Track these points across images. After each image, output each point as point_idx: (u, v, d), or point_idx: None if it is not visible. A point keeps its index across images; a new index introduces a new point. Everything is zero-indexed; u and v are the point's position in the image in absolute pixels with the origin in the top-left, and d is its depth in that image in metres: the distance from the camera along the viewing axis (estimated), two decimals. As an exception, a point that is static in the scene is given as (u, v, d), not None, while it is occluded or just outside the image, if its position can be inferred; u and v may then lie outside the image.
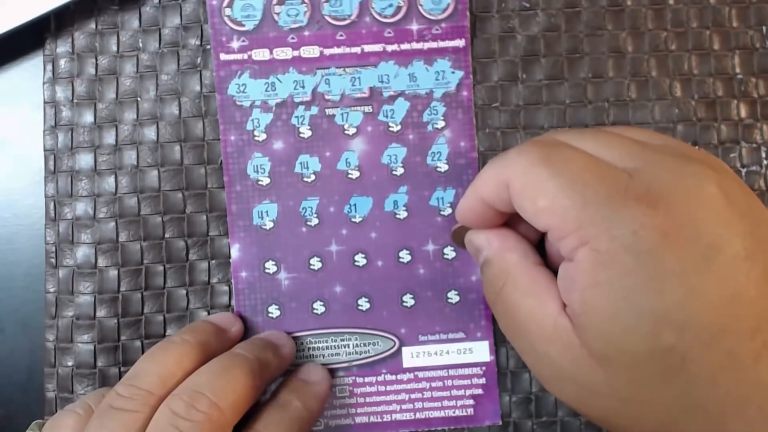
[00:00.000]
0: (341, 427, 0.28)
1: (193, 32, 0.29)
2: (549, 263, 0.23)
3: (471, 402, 0.28)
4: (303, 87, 0.29)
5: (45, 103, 0.29)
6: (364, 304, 0.28)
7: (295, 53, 0.29)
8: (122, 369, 0.28)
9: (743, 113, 0.29)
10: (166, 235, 0.29)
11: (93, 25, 0.29)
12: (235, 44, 0.29)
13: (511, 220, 0.24)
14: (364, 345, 0.28)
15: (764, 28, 0.30)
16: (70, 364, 0.28)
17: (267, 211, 0.28)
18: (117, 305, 0.28)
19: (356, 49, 0.29)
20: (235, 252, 0.28)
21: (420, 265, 0.28)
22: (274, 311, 0.28)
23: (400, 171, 0.29)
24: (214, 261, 0.29)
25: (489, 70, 0.29)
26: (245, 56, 0.29)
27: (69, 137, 0.29)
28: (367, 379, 0.28)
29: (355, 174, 0.29)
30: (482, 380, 0.28)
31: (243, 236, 0.28)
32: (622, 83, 0.29)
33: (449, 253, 0.29)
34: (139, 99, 0.29)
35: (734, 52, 0.30)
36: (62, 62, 0.29)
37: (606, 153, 0.21)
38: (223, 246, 0.28)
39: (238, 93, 0.29)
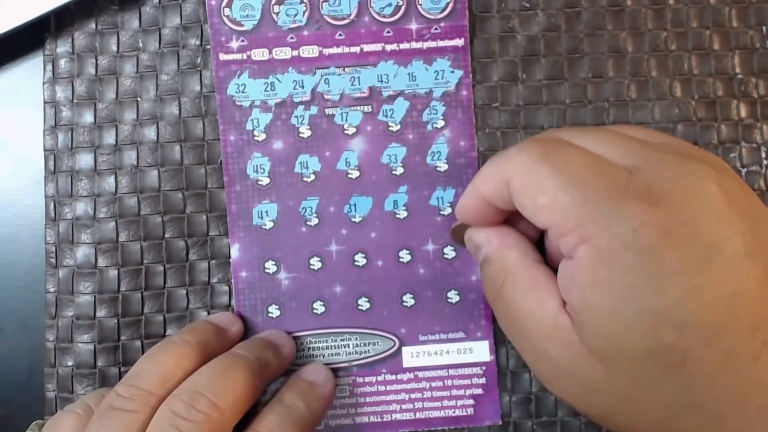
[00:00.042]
0: (341, 427, 0.28)
1: (193, 32, 0.29)
2: (548, 261, 0.23)
3: (471, 402, 0.28)
4: (302, 87, 0.29)
5: (45, 103, 0.29)
6: (364, 303, 0.28)
7: (295, 53, 0.29)
8: (122, 369, 0.28)
9: (743, 113, 0.29)
10: (166, 235, 0.29)
11: (93, 25, 0.29)
12: (235, 44, 0.29)
13: (510, 218, 0.24)
14: (364, 345, 0.28)
15: (764, 28, 0.30)
16: (70, 364, 0.28)
17: (267, 211, 0.28)
18: (117, 305, 0.28)
19: (355, 49, 0.29)
20: (235, 252, 0.28)
21: (420, 264, 0.28)
22: (274, 311, 0.28)
23: (399, 171, 0.29)
24: (214, 261, 0.29)
25: (489, 70, 0.29)
26: (244, 56, 0.29)
27: (69, 137, 0.29)
28: (367, 379, 0.28)
29: (354, 174, 0.29)
30: (482, 380, 0.28)
31: (243, 236, 0.28)
32: (622, 83, 0.29)
33: (449, 252, 0.28)
34: (139, 99, 0.29)
35: (734, 52, 0.30)
36: (62, 62, 0.29)
37: (606, 151, 0.21)
38: (223, 246, 0.29)
39: (237, 93, 0.29)
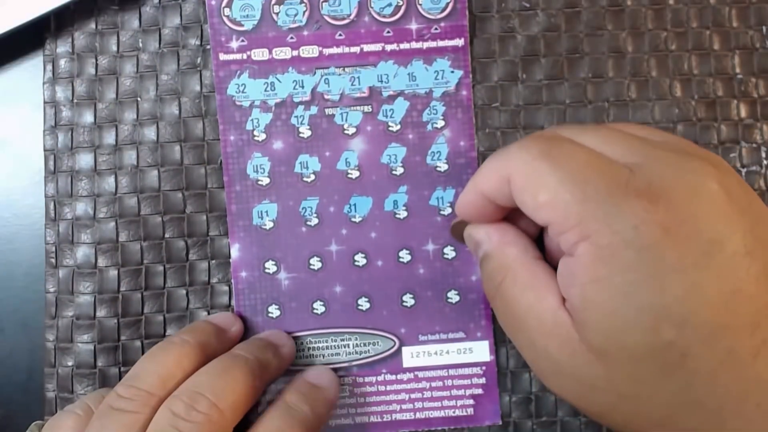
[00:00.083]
0: (341, 427, 0.28)
1: (193, 32, 0.29)
2: (548, 258, 0.23)
3: (471, 402, 0.28)
4: (302, 87, 0.29)
5: (45, 103, 0.29)
6: (364, 303, 0.28)
7: (295, 53, 0.29)
8: (122, 369, 0.28)
9: (743, 113, 0.29)
10: (166, 235, 0.29)
11: (93, 25, 0.29)
12: (235, 44, 0.29)
13: (510, 215, 0.24)
14: (364, 345, 0.28)
15: (764, 28, 0.30)
16: (70, 364, 0.28)
17: (267, 211, 0.28)
18: (117, 305, 0.28)
19: (355, 49, 0.29)
20: (235, 252, 0.28)
21: (420, 264, 0.28)
22: (274, 311, 0.28)
23: (399, 171, 0.29)
24: (214, 261, 0.29)
25: (489, 70, 0.29)
26: (244, 56, 0.29)
27: (69, 137, 0.29)
28: (367, 379, 0.28)
29: (354, 174, 0.29)
30: (482, 380, 0.28)
31: (243, 236, 0.28)
32: (622, 83, 0.29)
33: (449, 252, 0.28)
34: (139, 99, 0.29)
35: (734, 52, 0.30)
36: (62, 62, 0.29)
37: (607, 148, 0.21)
38: (223, 246, 0.29)
39: (237, 93, 0.29)
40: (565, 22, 0.29)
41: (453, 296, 0.28)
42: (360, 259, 0.28)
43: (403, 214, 0.29)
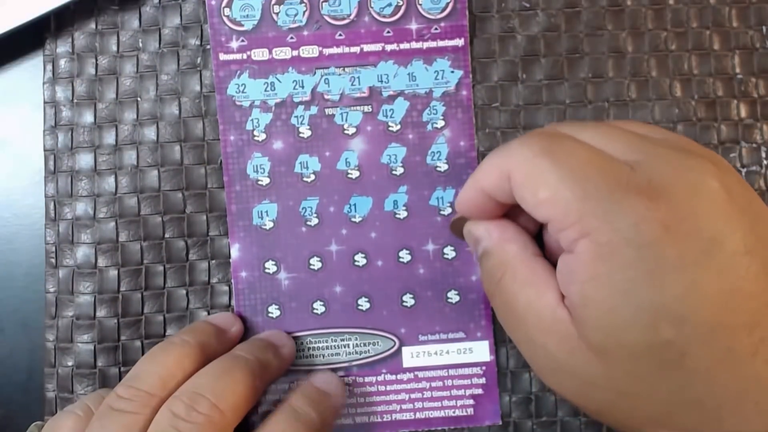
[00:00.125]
0: (341, 427, 0.28)
1: (192, 32, 0.29)
2: (547, 255, 0.23)
3: (471, 402, 0.28)
4: (302, 87, 0.29)
5: (45, 103, 0.29)
6: (364, 303, 0.28)
7: (295, 53, 0.29)
8: (122, 369, 0.28)
9: (743, 113, 0.29)
10: (166, 235, 0.29)
11: (93, 25, 0.29)
12: (235, 44, 0.29)
13: (509, 212, 0.24)
14: (364, 345, 0.28)
15: (764, 28, 0.30)
16: (70, 364, 0.28)
17: (267, 211, 0.28)
18: (117, 305, 0.28)
19: (355, 49, 0.29)
20: (235, 252, 0.28)
21: (420, 264, 0.28)
22: (274, 311, 0.28)
23: (399, 171, 0.29)
24: (214, 261, 0.29)
25: (489, 70, 0.29)
26: (244, 56, 0.29)
27: (69, 137, 0.29)
28: (367, 379, 0.28)
29: (354, 174, 0.29)
30: (482, 380, 0.28)
31: (243, 236, 0.28)
32: (622, 83, 0.29)
33: (449, 252, 0.28)
34: (139, 99, 0.29)
35: (734, 52, 0.30)
36: (62, 62, 0.29)
37: (608, 145, 0.21)
38: (223, 246, 0.29)
39: (237, 93, 0.29)
40: (565, 22, 0.29)
41: (453, 296, 0.28)
42: (360, 259, 0.28)
43: (403, 214, 0.29)
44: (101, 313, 0.28)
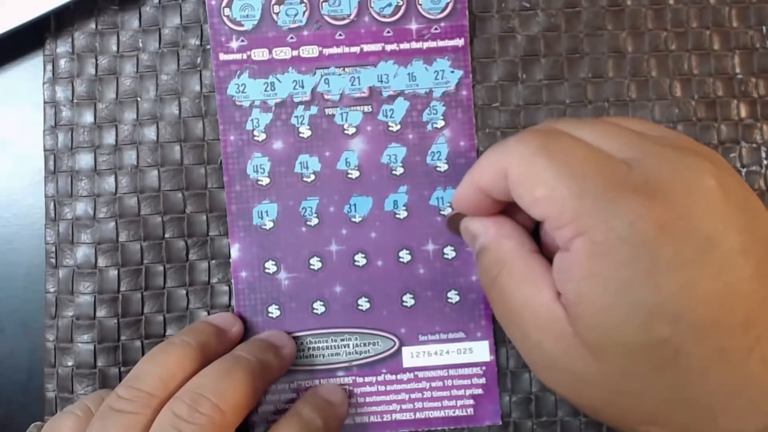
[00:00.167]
0: (341, 427, 0.28)
1: (192, 32, 0.29)
2: (544, 251, 0.23)
3: (471, 402, 0.28)
4: (302, 87, 0.29)
5: (45, 103, 0.29)
6: (364, 304, 0.28)
7: (294, 53, 0.29)
8: (122, 369, 0.28)
9: (743, 113, 0.29)
10: (166, 235, 0.29)
11: (93, 25, 0.29)
12: (234, 44, 0.29)
13: (506, 208, 0.24)
14: (364, 345, 0.28)
15: (764, 28, 0.30)
16: (70, 364, 0.28)
17: (267, 211, 0.28)
18: (117, 305, 0.28)
19: (355, 49, 0.29)
20: (235, 252, 0.28)
21: (420, 264, 0.28)
22: (274, 311, 0.28)
23: (399, 171, 0.29)
24: (214, 261, 0.29)
25: (489, 70, 0.29)
26: (244, 56, 0.29)
27: (69, 137, 0.29)
28: (367, 379, 0.28)
29: (354, 174, 0.29)
30: (482, 380, 0.28)
31: (243, 236, 0.28)
32: (622, 83, 0.29)
33: (449, 252, 0.29)
34: (139, 99, 0.29)
35: (734, 52, 0.30)
36: (62, 62, 0.29)
37: (605, 143, 0.21)
38: (223, 246, 0.29)
39: (237, 93, 0.29)
40: (565, 22, 0.29)
41: (453, 296, 0.28)
42: (360, 259, 0.28)
43: (403, 214, 0.29)
44: (101, 313, 0.28)
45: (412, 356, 0.28)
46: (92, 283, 0.28)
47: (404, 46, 0.29)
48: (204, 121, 0.29)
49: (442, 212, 0.29)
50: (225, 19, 0.29)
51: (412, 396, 0.28)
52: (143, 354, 0.28)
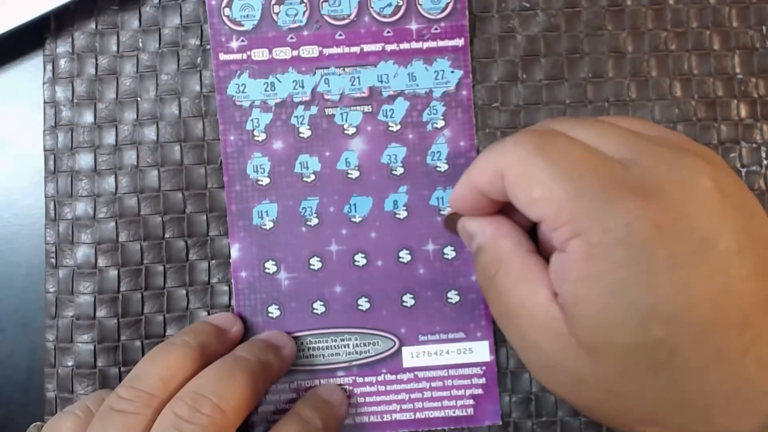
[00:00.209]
0: (341, 427, 0.28)
1: (192, 32, 0.29)
2: (541, 251, 0.23)
3: (471, 402, 0.28)
4: (302, 87, 0.29)
5: (45, 103, 0.29)
6: (364, 304, 0.28)
7: (295, 53, 0.29)
8: (122, 369, 0.28)
9: (743, 113, 0.29)
10: (166, 235, 0.29)
11: (93, 25, 0.29)
12: (235, 44, 0.29)
13: (503, 208, 0.24)
14: (364, 345, 0.28)
15: (764, 28, 0.30)
16: (70, 364, 0.28)
17: (267, 211, 0.28)
18: (117, 305, 0.28)
19: (355, 49, 0.29)
20: (235, 252, 0.28)
21: (420, 264, 0.28)
22: (274, 311, 0.28)
23: (399, 171, 0.29)
24: (214, 261, 0.29)
25: (489, 70, 0.29)
26: (244, 56, 0.29)
27: (69, 137, 0.29)
28: (367, 379, 0.28)
29: (354, 174, 0.29)
30: (482, 380, 0.28)
31: (243, 236, 0.28)
32: (622, 83, 0.29)
33: (449, 252, 0.29)
34: (139, 99, 0.29)
35: (734, 52, 0.30)
36: (62, 62, 0.29)
37: (602, 143, 0.21)
38: (223, 246, 0.29)
39: (237, 93, 0.29)
40: (565, 22, 0.29)
41: (453, 296, 0.28)
42: (360, 259, 0.28)
43: (403, 214, 0.29)
44: (101, 313, 0.28)
45: (412, 356, 0.28)
46: (92, 283, 0.28)
47: (404, 46, 0.29)
48: (204, 121, 0.29)
49: (442, 212, 0.29)
50: (225, 19, 0.29)
51: (412, 396, 0.28)
52: (143, 354, 0.28)
